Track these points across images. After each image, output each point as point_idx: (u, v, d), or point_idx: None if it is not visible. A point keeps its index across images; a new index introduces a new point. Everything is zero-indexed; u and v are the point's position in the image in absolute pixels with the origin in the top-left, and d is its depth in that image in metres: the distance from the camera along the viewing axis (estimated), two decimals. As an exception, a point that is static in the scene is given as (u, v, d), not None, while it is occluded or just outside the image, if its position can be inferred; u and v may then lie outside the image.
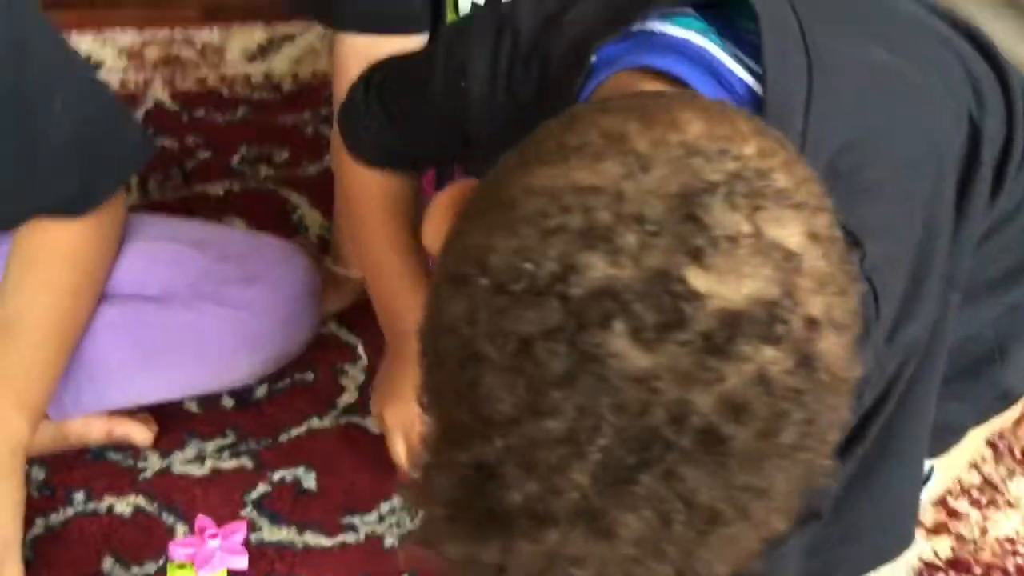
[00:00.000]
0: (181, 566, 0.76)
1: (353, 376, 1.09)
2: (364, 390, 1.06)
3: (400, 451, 0.81)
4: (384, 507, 0.94)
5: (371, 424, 1.01)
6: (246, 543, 0.76)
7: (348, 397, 1.06)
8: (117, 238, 0.91)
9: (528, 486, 0.43)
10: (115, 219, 0.90)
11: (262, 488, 0.96)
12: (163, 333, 0.91)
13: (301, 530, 0.92)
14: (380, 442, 0.96)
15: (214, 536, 0.76)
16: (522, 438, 0.44)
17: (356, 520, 0.93)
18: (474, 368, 0.44)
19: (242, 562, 0.76)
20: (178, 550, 0.75)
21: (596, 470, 0.43)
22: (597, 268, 0.43)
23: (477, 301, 0.45)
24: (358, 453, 1.00)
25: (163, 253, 0.92)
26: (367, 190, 0.83)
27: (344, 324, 1.15)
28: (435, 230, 0.53)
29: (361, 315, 1.12)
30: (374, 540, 0.91)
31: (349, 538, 0.92)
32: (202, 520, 0.78)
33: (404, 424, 0.81)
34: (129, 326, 0.91)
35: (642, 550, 0.44)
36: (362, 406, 1.04)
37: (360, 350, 1.11)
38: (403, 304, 0.82)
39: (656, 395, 0.43)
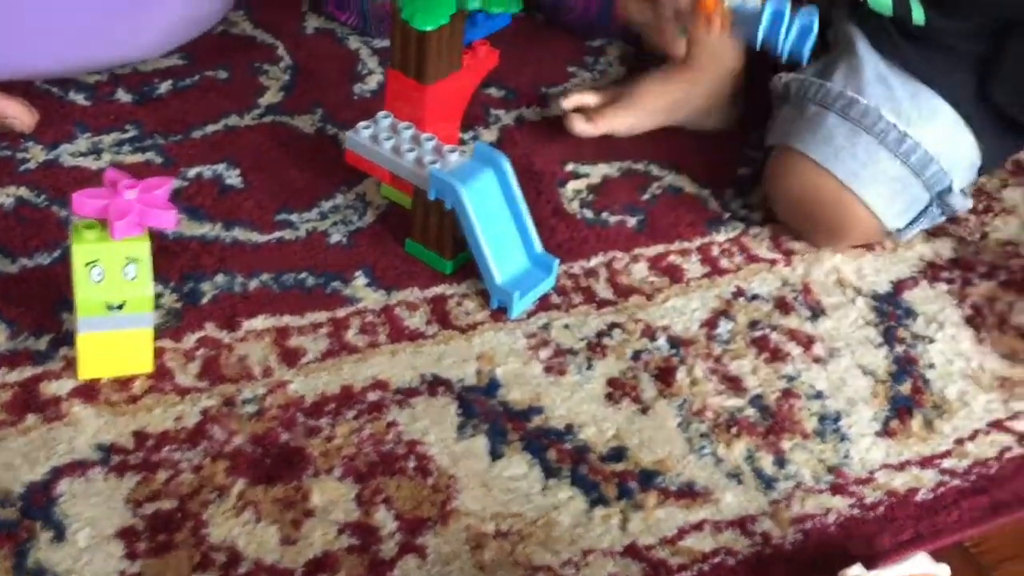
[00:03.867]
0: (90, 226, 0.62)
1: (275, 75, 0.93)
2: (290, 90, 0.92)
3: None
4: (326, 204, 0.82)
5: (301, 123, 0.87)
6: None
7: (272, 97, 0.91)
8: None
9: None
10: None
11: (175, 183, 0.79)
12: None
13: (228, 226, 0.78)
14: (313, 140, 0.85)
15: (131, 187, 0.62)
16: None
17: (293, 217, 0.80)
18: None
19: (168, 218, 0.61)
20: (86, 202, 0.60)
21: None
22: None
23: None
24: (288, 151, 0.85)
25: None
26: None
27: (260, 25, 0.99)
28: None
29: (278, 15, 0.98)
30: (317, 236, 0.78)
31: (287, 235, 0.79)
32: (113, 172, 0.63)
33: None
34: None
35: None
36: (289, 106, 0.90)
37: (282, 50, 0.96)
38: None
39: None
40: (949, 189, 0.79)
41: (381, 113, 0.77)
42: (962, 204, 0.81)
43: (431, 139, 0.76)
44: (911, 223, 0.81)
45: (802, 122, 0.79)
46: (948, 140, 0.78)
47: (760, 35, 0.64)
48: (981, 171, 0.83)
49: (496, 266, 0.74)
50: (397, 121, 0.77)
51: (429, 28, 0.71)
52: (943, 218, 0.82)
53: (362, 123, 0.77)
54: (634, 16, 0.69)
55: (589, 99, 0.89)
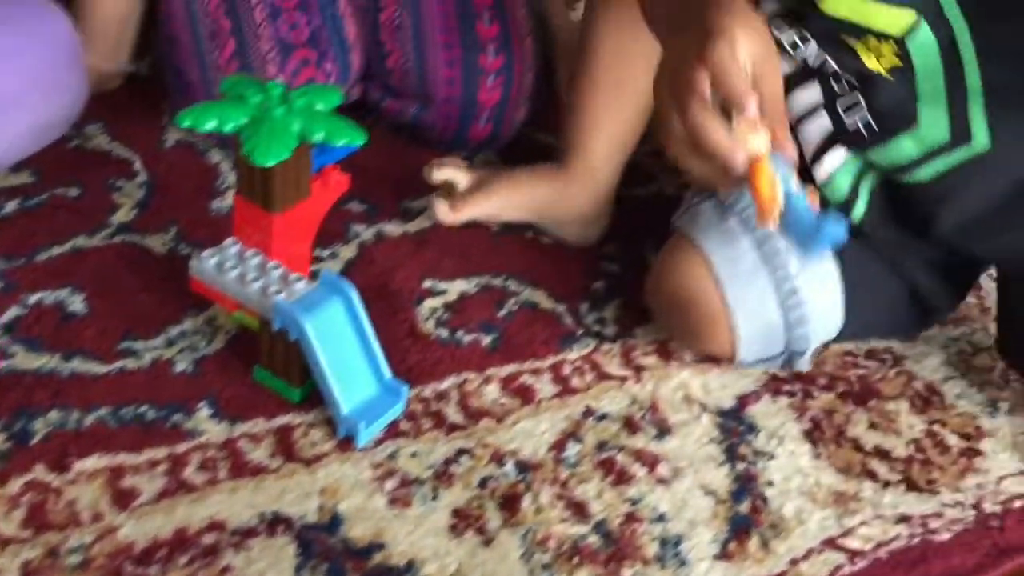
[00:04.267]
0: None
1: (129, 192, 0.92)
2: (144, 207, 0.91)
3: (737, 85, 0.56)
4: (173, 330, 0.81)
5: (153, 243, 0.87)
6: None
7: (124, 215, 0.90)
8: None
9: None
10: None
11: (14, 311, 0.77)
12: None
13: (67, 357, 0.76)
14: (165, 261, 0.85)
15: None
16: None
17: (138, 345, 0.79)
18: None
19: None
20: None
21: None
22: None
23: None
24: (137, 273, 0.84)
25: None
26: None
27: (116, 138, 0.98)
28: None
29: (136, 127, 0.98)
30: (161, 364, 0.77)
31: (129, 364, 0.77)
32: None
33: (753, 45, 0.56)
34: None
35: None
36: (142, 224, 0.89)
37: (138, 164, 0.95)
38: None
39: None
40: (802, 352, 0.82)
41: (228, 240, 0.77)
42: (804, 367, 0.83)
43: (278, 268, 0.76)
44: (756, 362, 0.83)
45: (719, 229, 0.79)
46: (827, 312, 0.81)
47: (812, 247, 0.56)
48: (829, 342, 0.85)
49: (342, 396, 0.73)
50: (244, 248, 0.77)
51: (270, 163, 0.71)
52: (780, 370, 0.84)
53: (208, 251, 0.76)
54: (685, 164, 0.61)
55: (459, 178, 0.90)
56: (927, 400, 0.86)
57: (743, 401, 0.83)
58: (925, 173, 0.75)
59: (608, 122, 0.89)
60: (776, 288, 0.78)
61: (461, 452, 0.75)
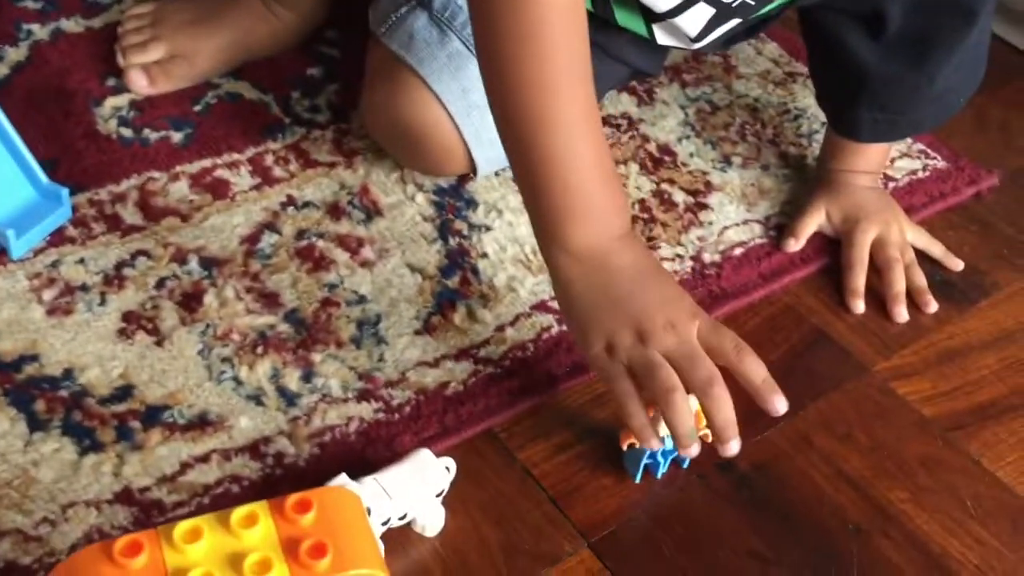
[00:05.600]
0: None
1: None
2: None
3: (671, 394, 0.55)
4: None
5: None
6: None
7: None
8: None
9: None
10: None
11: None
12: None
13: None
14: None
15: None
16: None
17: None
18: None
19: None
20: None
21: None
22: None
23: None
24: None
25: None
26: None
27: None
28: None
29: None
30: None
31: None
32: None
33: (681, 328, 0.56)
34: None
35: None
36: None
37: None
38: (612, 190, 0.58)
39: None
40: None
41: None
42: None
43: None
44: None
45: (443, 54, 0.70)
46: None
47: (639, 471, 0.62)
48: None
49: (-19, 203, 0.66)
50: None
51: None
52: None
53: None
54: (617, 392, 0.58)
55: (152, 53, 0.79)
56: (658, 161, 0.83)
57: (463, 178, 0.79)
58: None
59: None
60: None
61: (138, 254, 0.68)
